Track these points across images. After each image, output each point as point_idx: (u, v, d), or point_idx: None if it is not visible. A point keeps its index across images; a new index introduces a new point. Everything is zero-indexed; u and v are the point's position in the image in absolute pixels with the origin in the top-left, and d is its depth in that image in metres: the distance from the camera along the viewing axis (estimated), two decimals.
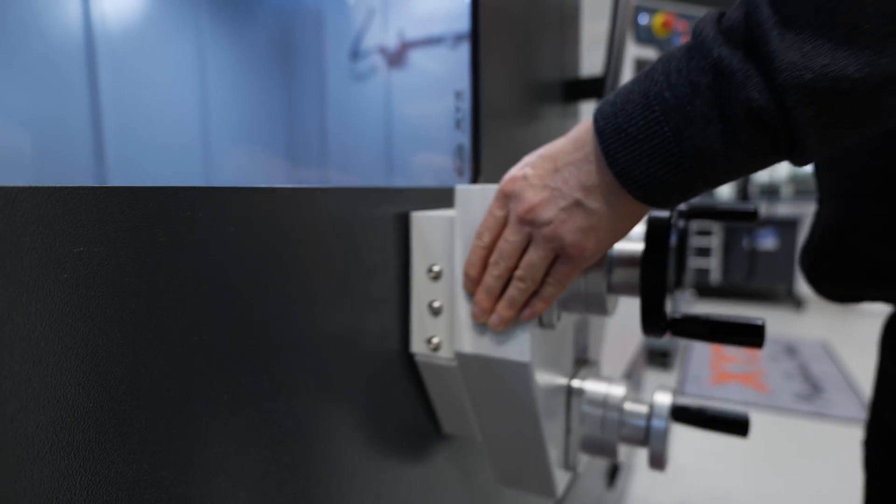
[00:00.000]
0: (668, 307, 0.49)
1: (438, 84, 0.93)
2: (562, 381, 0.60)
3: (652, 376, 2.99)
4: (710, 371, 3.11)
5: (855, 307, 4.22)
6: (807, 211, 4.96)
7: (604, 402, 0.60)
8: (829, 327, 4.16)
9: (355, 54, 1.18)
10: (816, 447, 2.25)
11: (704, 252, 5.01)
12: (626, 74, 1.44)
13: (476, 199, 0.50)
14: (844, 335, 3.92)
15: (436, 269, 0.54)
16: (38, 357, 0.25)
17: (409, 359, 0.57)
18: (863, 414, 2.49)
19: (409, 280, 0.56)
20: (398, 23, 1.11)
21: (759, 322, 0.47)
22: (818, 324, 4.29)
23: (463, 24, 0.71)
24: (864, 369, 3.12)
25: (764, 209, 4.98)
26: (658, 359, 3.12)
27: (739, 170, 0.37)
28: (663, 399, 0.59)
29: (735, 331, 0.47)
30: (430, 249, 0.54)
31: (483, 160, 0.70)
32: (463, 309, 0.52)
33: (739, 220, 0.61)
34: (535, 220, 0.43)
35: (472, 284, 0.50)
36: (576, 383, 0.62)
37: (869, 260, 0.55)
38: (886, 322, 0.64)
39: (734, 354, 3.41)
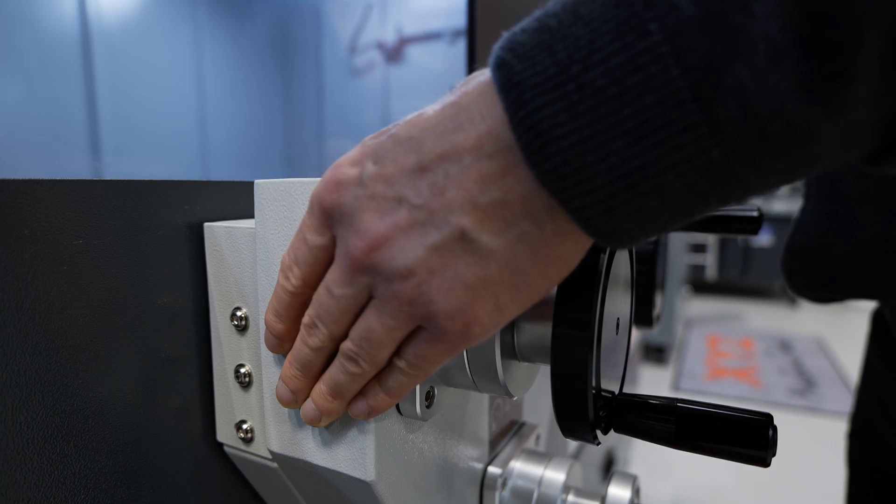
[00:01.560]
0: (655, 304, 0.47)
1: (435, 80, 0.93)
2: (466, 471, 0.42)
3: (648, 371, 3.00)
4: (705, 366, 3.13)
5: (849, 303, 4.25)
6: None
7: (536, 498, 0.44)
8: (823, 323, 4.18)
9: (353, 49, 1.18)
10: (810, 441, 2.27)
11: (700, 248, 5.02)
12: None
13: (286, 203, 0.32)
14: (838, 331, 3.94)
15: (242, 313, 0.37)
16: None
17: (219, 448, 0.41)
18: None
19: (209, 329, 0.39)
20: (396, 18, 1.12)
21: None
22: (812, 319, 4.32)
23: (462, 19, 0.71)
24: (857, 364, 3.14)
25: (760, 206, 4.99)
26: (654, 354, 3.14)
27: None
28: (621, 495, 0.43)
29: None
30: (233, 281, 0.37)
31: None
32: (269, 383, 0.34)
33: (739, 230, 0.50)
34: (382, 268, 0.24)
35: (277, 346, 0.31)
36: (494, 470, 0.45)
37: (852, 270, 0.51)
38: (872, 316, 0.65)
39: (729, 350, 3.43)
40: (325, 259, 0.27)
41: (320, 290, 0.27)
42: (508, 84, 0.21)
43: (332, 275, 0.27)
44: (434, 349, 0.26)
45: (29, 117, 0.91)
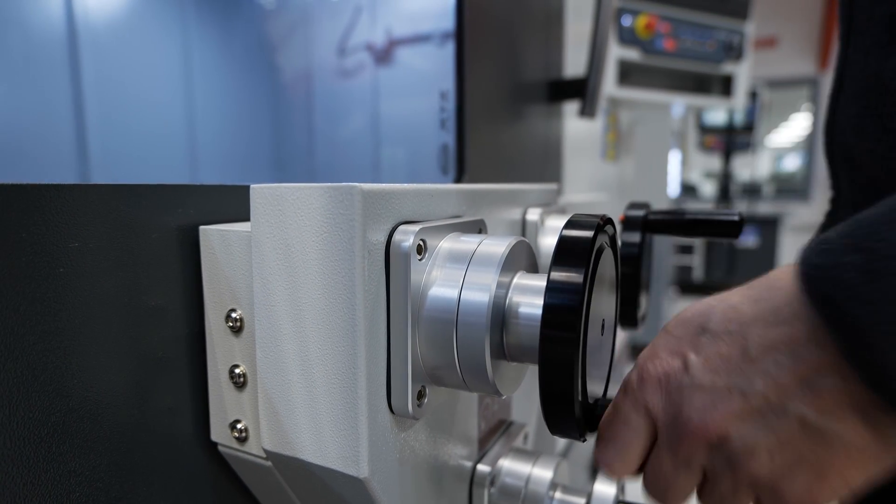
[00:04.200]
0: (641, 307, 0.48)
1: (424, 83, 0.94)
2: (455, 469, 0.43)
3: None
4: None
5: None
6: (787, 210, 5.04)
7: (523, 496, 0.45)
8: None
9: (342, 51, 1.18)
10: None
11: (687, 249, 5.06)
12: (609, 75, 1.46)
13: (280, 207, 0.32)
14: None
15: (237, 314, 0.37)
16: None
17: (213, 448, 0.41)
18: None
19: (204, 331, 0.40)
20: (386, 20, 1.12)
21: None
22: None
23: (451, 21, 0.72)
24: None
25: (745, 208, 5.05)
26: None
27: None
28: (606, 491, 0.44)
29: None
30: (227, 284, 0.37)
31: (467, 159, 0.71)
32: (264, 383, 0.35)
33: (720, 234, 0.51)
34: (721, 451, 0.26)
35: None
36: (483, 468, 0.46)
37: None
38: None
39: None
40: (647, 442, 0.30)
41: (652, 466, 0.30)
42: (831, 303, 0.22)
43: (664, 460, 0.29)
44: None
45: (14, 119, 0.90)
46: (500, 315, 0.34)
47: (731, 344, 0.26)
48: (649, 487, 0.31)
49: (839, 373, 0.23)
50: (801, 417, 0.24)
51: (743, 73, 1.74)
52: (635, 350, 3.14)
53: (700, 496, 0.30)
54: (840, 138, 0.47)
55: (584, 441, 0.32)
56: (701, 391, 0.26)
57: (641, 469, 0.32)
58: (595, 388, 0.35)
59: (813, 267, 0.24)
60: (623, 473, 0.32)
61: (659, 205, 1.40)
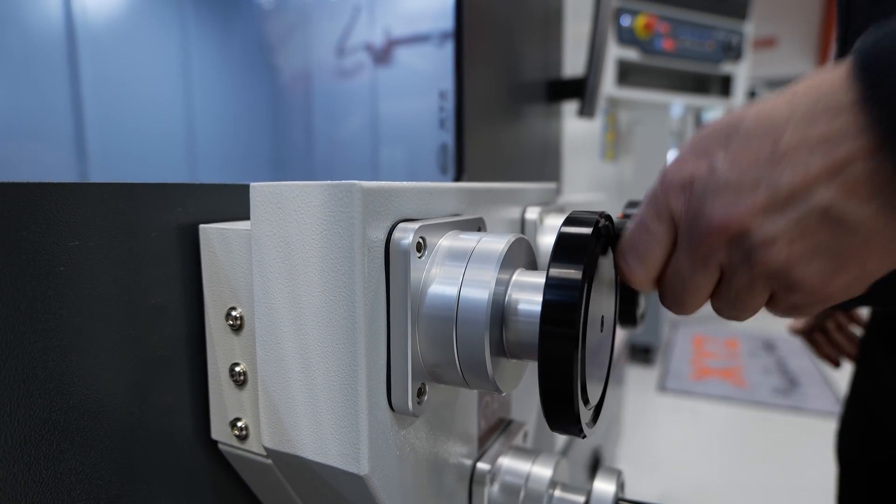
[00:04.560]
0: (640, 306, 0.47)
1: (423, 83, 0.94)
2: (455, 467, 0.43)
3: (634, 372, 3.02)
4: (690, 367, 3.16)
5: None
6: None
7: (523, 494, 0.45)
8: None
9: (341, 51, 1.18)
10: (792, 439, 2.30)
11: None
12: (608, 75, 1.46)
13: (280, 205, 0.32)
14: None
15: (237, 313, 0.37)
16: None
17: (213, 446, 0.41)
18: (837, 407, 2.55)
19: (203, 329, 0.40)
20: (384, 20, 1.13)
21: None
22: (789, 323, 4.37)
23: (450, 21, 0.72)
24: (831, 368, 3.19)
25: None
26: (640, 355, 3.16)
27: None
28: (606, 489, 0.44)
29: None
30: (227, 282, 0.37)
31: (466, 159, 0.71)
32: (264, 381, 0.35)
33: None
34: (740, 243, 0.26)
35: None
36: (483, 466, 0.46)
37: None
38: (876, 318, 0.66)
39: (715, 350, 3.46)
40: (668, 250, 0.30)
41: (672, 279, 0.30)
42: (882, 81, 0.22)
43: (682, 262, 0.29)
44: (791, 315, 0.28)
45: (13, 118, 0.90)
46: (500, 312, 0.34)
47: (762, 142, 0.25)
48: (665, 292, 0.31)
49: (873, 159, 0.23)
50: (825, 205, 0.24)
51: (742, 74, 1.75)
52: (634, 350, 3.14)
53: (714, 298, 0.30)
54: None
55: (583, 437, 0.32)
56: (726, 189, 0.26)
57: (660, 279, 0.32)
58: (594, 388, 0.35)
59: (865, 51, 0.24)
60: (643, 280, 0.32)
61: None
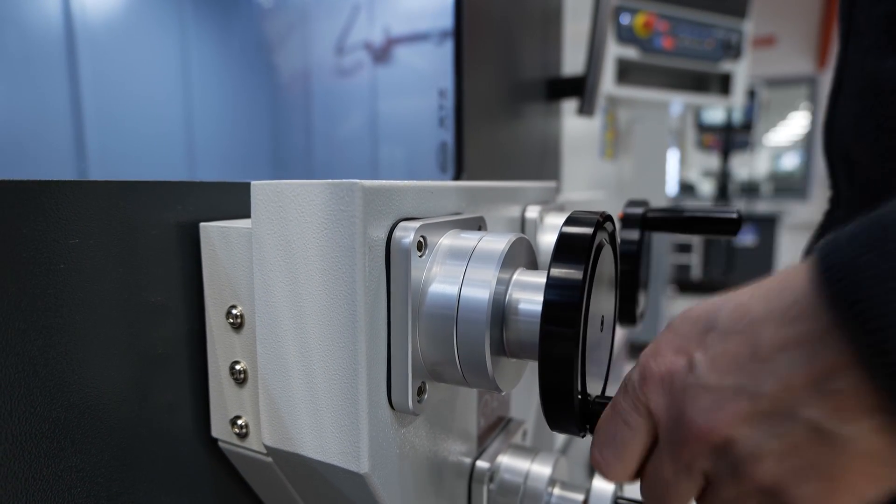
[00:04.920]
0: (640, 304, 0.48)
1: (423, 81, 0.94)
2: (455, 465, 0.43)
3: None
4: None
5: None
6: (785, 208, 5.05)
7: (522, 492, 0.45)
8: None
9: (340, 49, 1.18)
10: None
11: (685, 248, 5.06)
12: (608, 74, 1.46)
13: (280, 203, 0.32)
14: None
15: (237, 311, 0.37)
16: None
17: (213, 444, 0.41)
18: None
19: (204, 327, 0.40)
20: (384, 18, 1.12)
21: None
22: None
23: (449, 20, 0.72)
24: None
25: (743, 206, 5.06)
26: (640, 352, 3.16)
27: None
28: (605, 487, 0.44)
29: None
30: (228, 280, 0.37)
31: (466, 157, 0.71)
32: (265, 379, 0.35)
33: (719, 231, 0.51)
34: (725, 455, 0.25)
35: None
36: (482, 464, 0.46)
37: None
38: None
39: None
40: (646, 444, 0.29)
41: (649, 472, 0.29)
42: (850, 298, 0.21)
43: (664, 464, 0.27)
44: None
45: (12, 117, 0.90)
46: (500, 311, 0.34)
47: (740, 343, 0.25)
48: (647, 493, 0.30)
49: (854, 374, 0.22)
50: (812, 422, 0.23)
51: (741, 72, 1.75)
52: (634, 348, 3.15)
53: (701, 502, 0.28)
54: (839, 138, 0.48)
55: (583, 437, 0.33)
56: (706, 392, 0.25)
57: (640, 474, 0.31)
58: (594, 386, 0.35)
59: (830, 263, 0.23)
60: (620, 477, 0.31)
61: (657, 203, 1.40)
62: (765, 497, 0.25)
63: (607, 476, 0.31)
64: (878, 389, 0.21)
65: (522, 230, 0.55)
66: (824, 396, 0.23)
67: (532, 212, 0.55)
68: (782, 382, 0.23)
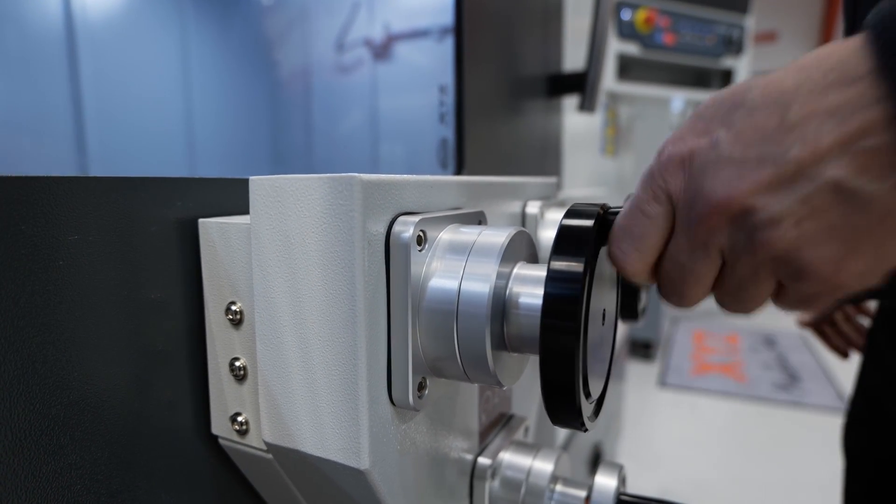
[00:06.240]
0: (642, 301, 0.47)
1: (423, 77, 0.93)
2: (456, 462, 0.43)
3: (635, 367, 3.03)
4: (691, 362, 3.16)
5: None
6: None
7: (524, 489, 0.45)
8: None
9: (340, 46, 1.18)
10: (793, 434, 2.31)
11: None
12: (609, 70, 1.45)
13: (280, 198, 0.32)
14: None
15: (237, 307, 0.37)
16: None
17: (213, 441, 0.41)
18: (838, 402, 2.55)
19: (203, 324, 0.39)
20: (384, 15, 1.12)
21: None
22: (796, 316, 4.38)
23: (449, 16, 0.72)
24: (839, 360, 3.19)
25: None
26: (641, 350, 3.16)
27: None
28: (607, 483, 0.44)
29: None
30: (227, 276, 0.37)
31: (466, 153, 0.71)
32: (264, 376, 0.34)
33: None
34: (743, 222, 0.24)
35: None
36: (484, 461, 0.45)
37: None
38: (883, 313, 0.66)
39: (715, 346, 3.46)
40: (665, 234, 0.28)
41: (670, 266, 0.28)
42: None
43: (680, 247, 0.27)
44: (799, 308, 0.26)
45: (13, 114, 0.90)
46: (501, 305, 0.33)
47: (769, 115, 0.24)
48: (663, 283, 0.29)
49: (889, 132, 0.21)
50: (836, 181, 0.22)
51: (743, 68, 1.74)
52: (634, 345, 3.14)
53: (716, 289, 0.27)
54: None
55: (585, 431, 0.32)
56: (728, 164, 0.24)
57: (656, 271, 0.29)
58: (596, 382, 0.35)
59: (881, 20, 0.22)
60: (639, 270, 0.29)
61: None
62: (779, 264, 0.24)
63: (625, 270, 0.30)
64: None
65: (523, 225, 0.55)
66: (852, 155, 0.22)
67: (533, 207, 0.54)
68: (810, 147, 0.23)
